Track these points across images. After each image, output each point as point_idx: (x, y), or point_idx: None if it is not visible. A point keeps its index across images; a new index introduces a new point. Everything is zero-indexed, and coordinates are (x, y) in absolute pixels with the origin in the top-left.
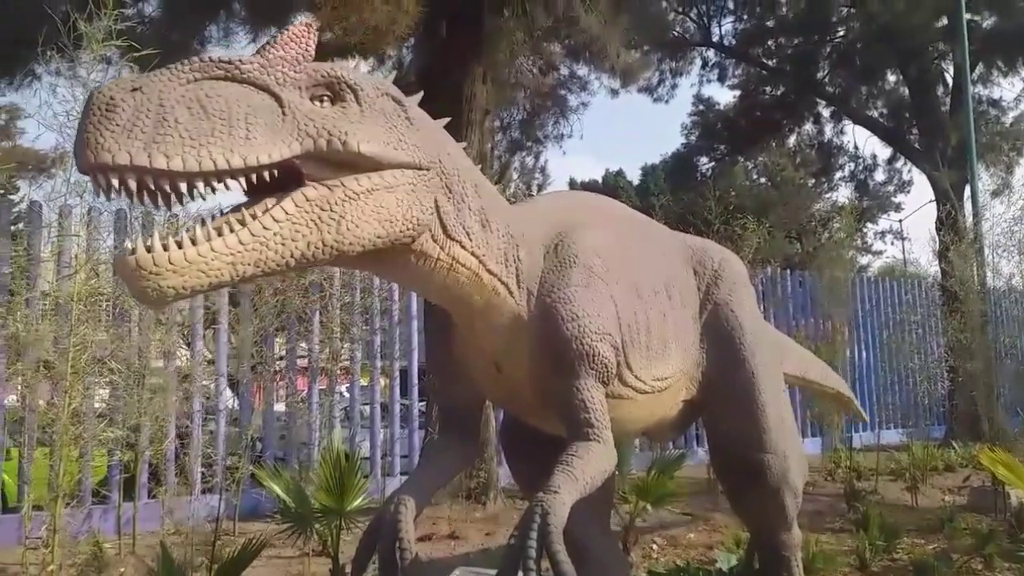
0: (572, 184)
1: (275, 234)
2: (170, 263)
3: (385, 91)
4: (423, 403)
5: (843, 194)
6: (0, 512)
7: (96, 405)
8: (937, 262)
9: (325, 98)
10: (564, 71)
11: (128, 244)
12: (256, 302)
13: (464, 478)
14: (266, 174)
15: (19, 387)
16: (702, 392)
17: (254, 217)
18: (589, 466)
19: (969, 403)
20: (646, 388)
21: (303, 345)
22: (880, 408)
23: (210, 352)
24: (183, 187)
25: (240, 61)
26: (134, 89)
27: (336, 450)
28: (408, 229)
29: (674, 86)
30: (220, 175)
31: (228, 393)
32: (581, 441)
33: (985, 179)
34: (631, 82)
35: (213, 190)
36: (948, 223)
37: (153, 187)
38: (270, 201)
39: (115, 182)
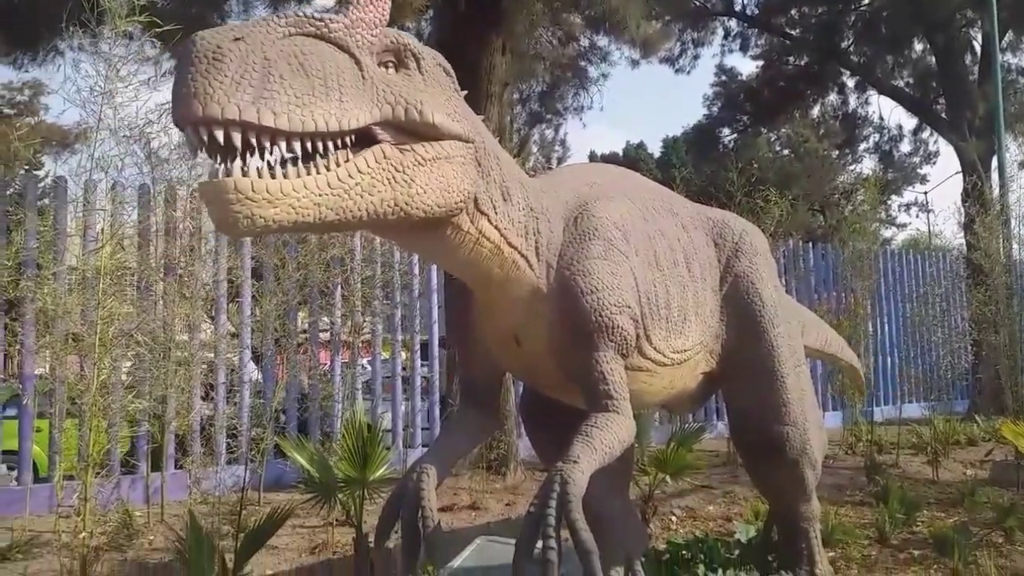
0: (592, 157)
1: (356, 183)
2: (268, 191)
3: (439, 62)
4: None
5: (867, 166)
6: (32, 482)
7: (123, 377)
8: (963, 234)
9: (390, 64)
10: (584, 42)
11: (221, 168)
12: (279, 275)
13: (484, 449)
14: (348, 138)
15: (48, 360)
16: (722, 364)
17: (339, 164)
18: (608, 436)
19: (993, 376)
20: (665, 360)
21: (325, 319)
22: (903, 381)
23: (234, 326)
24: (283, 145)
25: (330, 19)
26: (236, 39)
27: (359, 422)
28: (460, 200)
29: (696, 57)
30: (319, 136)
31: (252, 366)
32: (600, 412)
33: (1013, 150)
34: (652, 53)
35: (307, 151)
36: (974, 195)
37: (255, 144)
38: (344, 155)
39: (219, 135)
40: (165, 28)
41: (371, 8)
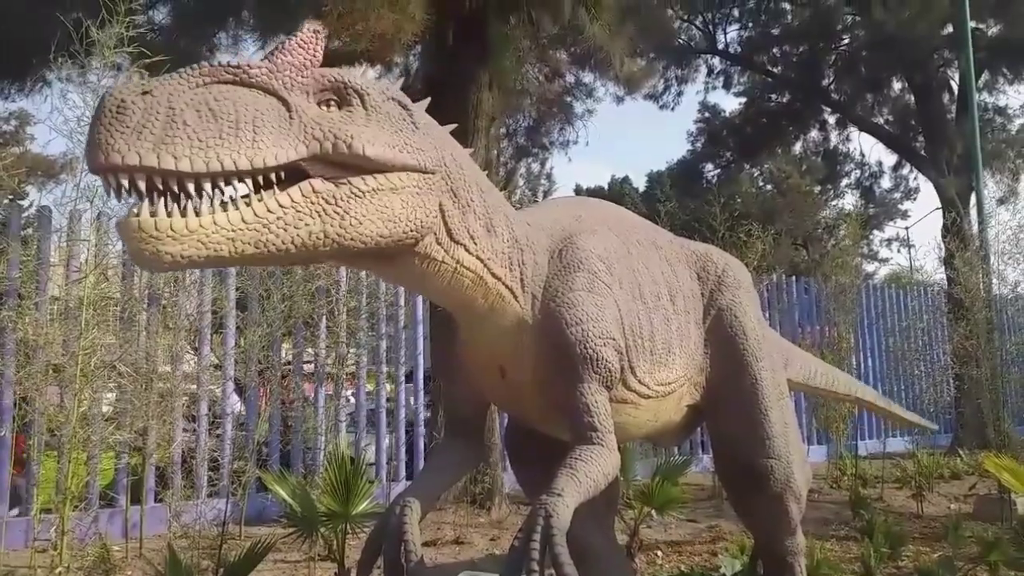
0: (578, 190)
1: (278, 218)
2: (171, 229)
3: (391, 96)
4: (429, 410)
5: (849, 201)
6: (8, 514)
7: (104, 408)
8: (943, 269)
9: (332, 102)
10: (570, 78)
11: (134, 208)
12: (264, 306)
13: (469, 483)
14: (272, 176)
15: (27, 390)
16: (706, 397)
17: (260, 200)
18: (592, 469)
19: (975, 411)
20: (650, 392)
21: (310, 350)
22: None
23: (217, 357)
24: (191, 187)
25: (248, 66)
26: (144, 92)
27: (342, 454)
28: (411, 230)
29: (680, 93)
30: (227, 176)
31: (235, 398)
32: (585, 445)
33: (991, 186)
34: (636, 89)
35: (221, 191)
36: (954, 230)
37: (162, 187)
38: (277, 191)
39: (124, 182)
40: (153, 59)
41: (300, 52)
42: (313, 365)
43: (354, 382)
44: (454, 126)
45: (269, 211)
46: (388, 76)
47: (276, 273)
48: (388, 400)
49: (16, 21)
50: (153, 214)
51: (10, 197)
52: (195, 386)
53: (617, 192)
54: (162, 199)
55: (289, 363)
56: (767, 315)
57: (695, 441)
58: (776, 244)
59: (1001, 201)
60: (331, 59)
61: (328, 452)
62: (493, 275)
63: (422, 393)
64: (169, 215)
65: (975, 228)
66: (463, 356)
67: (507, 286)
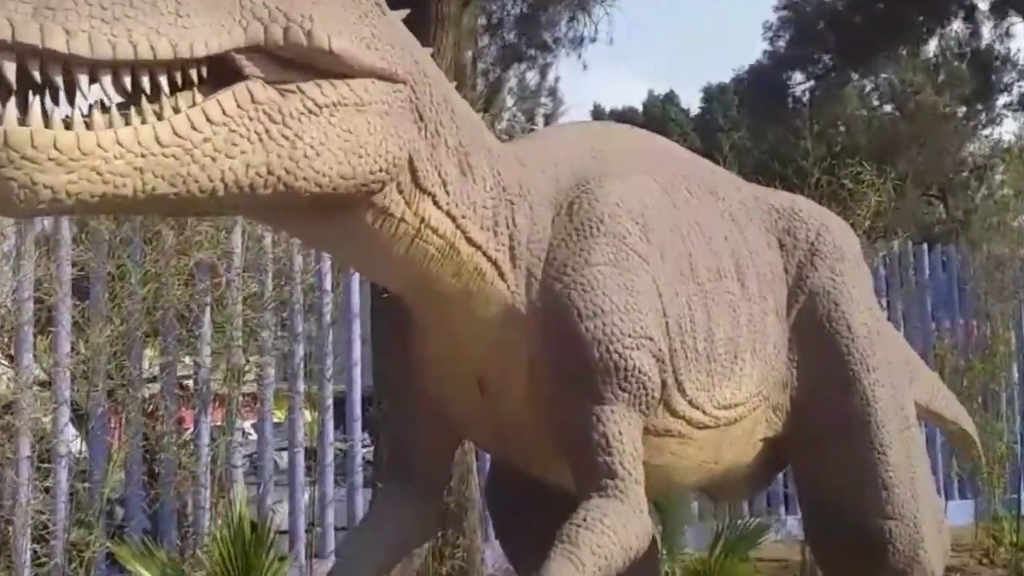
0: (597, 113)
1: (205, 140)
2: (57, 148)
3: None
4: (369, 448)
5: (1010, 129)
6: None
7: None
8: None
9: None
10: None
11: None
12: (116, 291)
13: (433, 559)
14: (194, 72)
15: None
16: (791, 427)
17: (177, 111)
18: (604, 541)
19: None
20: (706, 420)
21: (187, 359)
22: None
23: (44, 370)
24: (84, 82)
25: None
26: None
27: (239, 517)
28: (379, 170)
29: None
30: (139, 66)
31: (71, 431)
32: (596, 500)
33: None
34: None
35: (127, 92)
36: None
37: (40, 80)
38: (187, 97)
39: None
40: None
41: None
42: (193, 382)
43: (256, 408)
44: (404, 13)
45: (193, 129)
46: None
47: (134, 239)
48: (307, 435)
49: None
50: (24, 123)
51: None
52: (9, 415)
53: (658, 116)
54: (38, 99)
55: (155, 378)
56: (883, 303)
57: (775, 493)
58: (898, 195)
59: None
60: None
61: (217, 514)
62: (469, 241)
63: (359, 424)
64: (48, 127)
65: None
66: (422, 364)
67: (489, 258)
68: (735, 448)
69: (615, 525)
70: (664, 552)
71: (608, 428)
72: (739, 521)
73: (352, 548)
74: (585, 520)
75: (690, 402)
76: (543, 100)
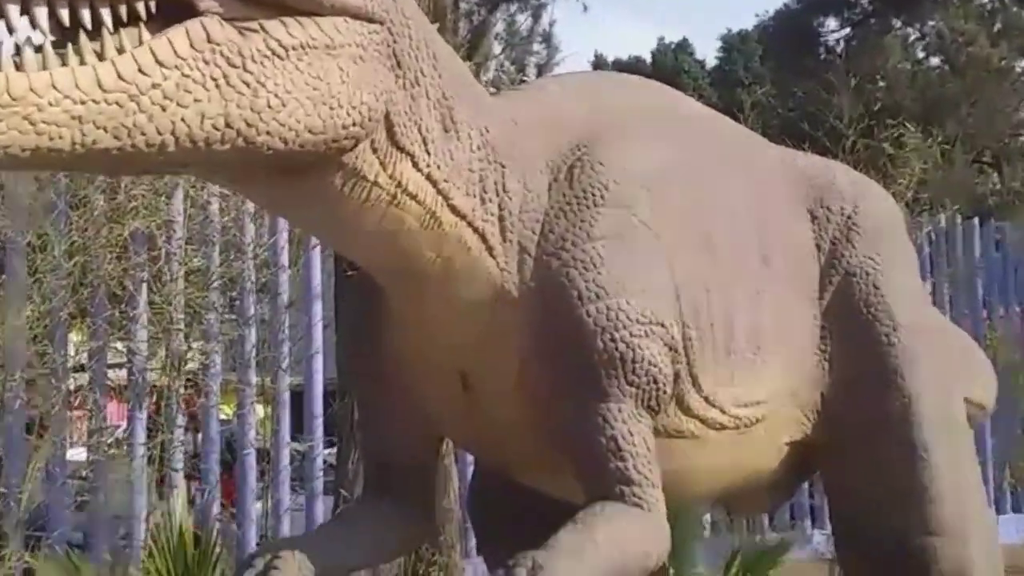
0: (598, 63)
1: (154, 86)
2: None
3: None
4: (331, 449)
5: None
6: None
7: None
8: None
9: None
10: None
11: None
12: (36, 264)
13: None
14: (140, 5)
15: None
16: (822, 429)
17: (121, 51)
18: (619, 537)
19: None
20: (724, 420)
21: (118, 345)
22: None
23: None
24: (13, 14)
25: None
26: None
27: (179, 528)
28: (352, 124)
29: None
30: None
31: None
32: (612, 504)
33: None
34: None
35: (64, 29)
36: None
37: None
38: (133, 34)
39: None
40: None
41: None
42: (126, 371)
43: (199, 402)
44: None
45: (141, 72)
46: None
47: (59, 204)
48: (260, 435)
49: None
50: None
51: None
52: None
53: (669, 67)
54: None
55: (82, 367)
56: (929, 285)
57: (801, 504)
58: (946, 161)
59: None
60: None
61: (154, 525)
62: (452, 209)
63: (319, 422)
64: None
65: None
66: (397, 353)
67: (476, 229)
68: (756, 452)
69: (627, 527)
70: (672, 571)
71: (617, 429)
72: (759, 536)
73: (318, 531)
74: (589, 521)
75: (706, 399)
76: (536, 47)
